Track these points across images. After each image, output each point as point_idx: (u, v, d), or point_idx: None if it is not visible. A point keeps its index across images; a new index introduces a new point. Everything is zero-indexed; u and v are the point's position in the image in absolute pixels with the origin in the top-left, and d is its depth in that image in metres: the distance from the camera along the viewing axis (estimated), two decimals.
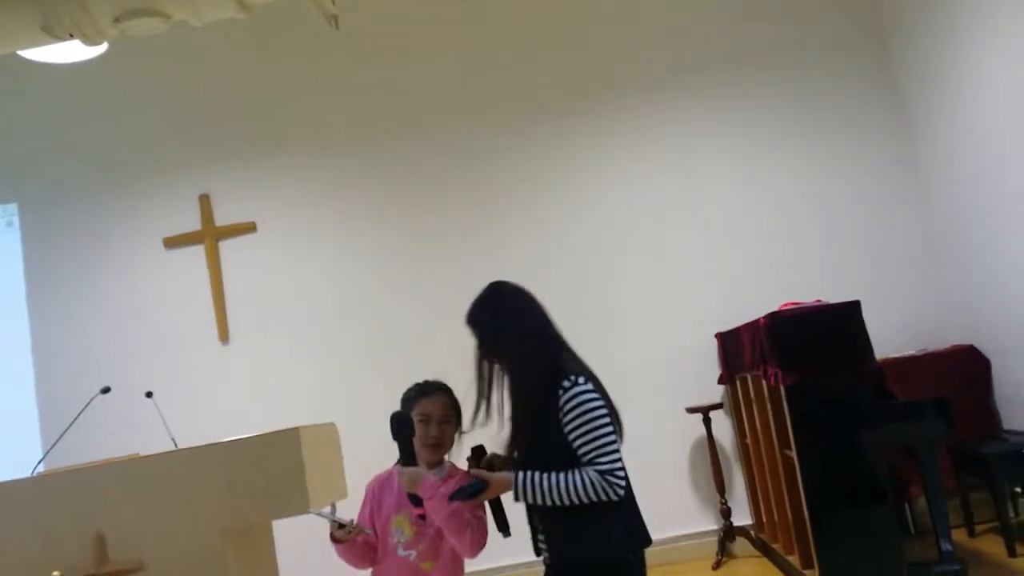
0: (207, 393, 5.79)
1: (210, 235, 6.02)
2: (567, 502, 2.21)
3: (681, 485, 5.59)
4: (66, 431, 4.36)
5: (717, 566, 5.19)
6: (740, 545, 5.41)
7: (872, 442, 3.98)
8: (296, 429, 3.83)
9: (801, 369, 4.01)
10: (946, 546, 3.93)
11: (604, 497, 2.21)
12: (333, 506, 2.43)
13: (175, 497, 3.78)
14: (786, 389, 4.04)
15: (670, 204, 5.79)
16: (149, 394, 4.58)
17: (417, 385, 2.59)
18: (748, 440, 5.19)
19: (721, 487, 5.37)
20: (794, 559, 4.44)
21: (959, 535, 4.52)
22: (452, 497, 2.27)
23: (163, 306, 6.00)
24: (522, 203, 5.90)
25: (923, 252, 5.63)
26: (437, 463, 2.52)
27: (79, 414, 4.41)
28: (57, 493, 3.83)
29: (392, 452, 2.55)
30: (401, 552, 2.45)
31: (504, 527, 2.37)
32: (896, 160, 5.72)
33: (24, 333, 6.01)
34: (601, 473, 2.21)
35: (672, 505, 5.51)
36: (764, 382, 4.39)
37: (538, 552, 2.41)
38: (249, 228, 6.03)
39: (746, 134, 5.83)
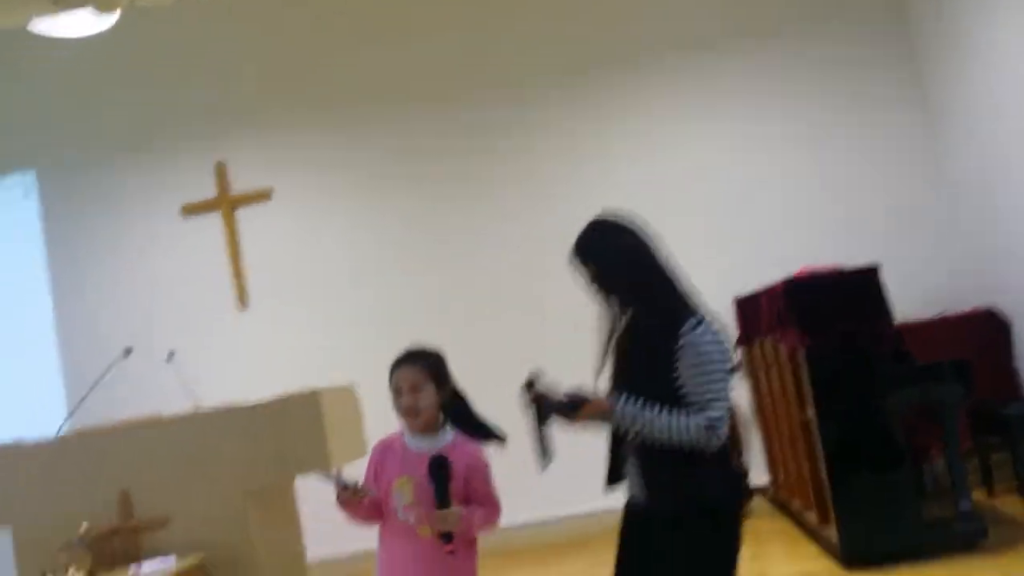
0: (226, 358, 5.83)
1: (227, 203, 6.05)
2: (662, 440, 2.15)
3: None
4: (89, 392, 4.42)
5: None
6: (757, 504, 5.43)
7: (891, 404, 3.96)
8: (316, 391, 3.88)
9: (819, 333, 4.00)
10: (965, 505, 3.92)
11: (699, 447, 2.14)
12: (339, 470, 2.42)
13: (197, 457, 3.84)
14: (805, 352, 4.03)
15: (686, 169, 5.77)
16: (170, 355, 4.63)
17: (397, 356, 2.56)
18: (766, 402, 5.20)
19: (738, 448, 5.37)
20: (812, 515, 4.45)
21: (978, 495, 4.51)
22: (547, 408, 2.22)
23: (182, 273, 6.04)
24: (535, 172, 5.90)
25: (942, 216, 5.60)
26: (423, 430, 2.51)
27: (102, 376, 4.47)
28: (83, 452, 3.90)
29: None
30: (401, 515, 2.45)
31: (546, 454, 2.28)
32: (914, 124, 5.69)
33: (46, 300, 6.07)
34: (707, 425, 2.13)
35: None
36: (782, 346, 4.38)
37: (618, 481, 2.35)
38: (265, 195, 6.04)
39: (764, 99, 5.81)
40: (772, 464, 5.40)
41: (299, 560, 4.32)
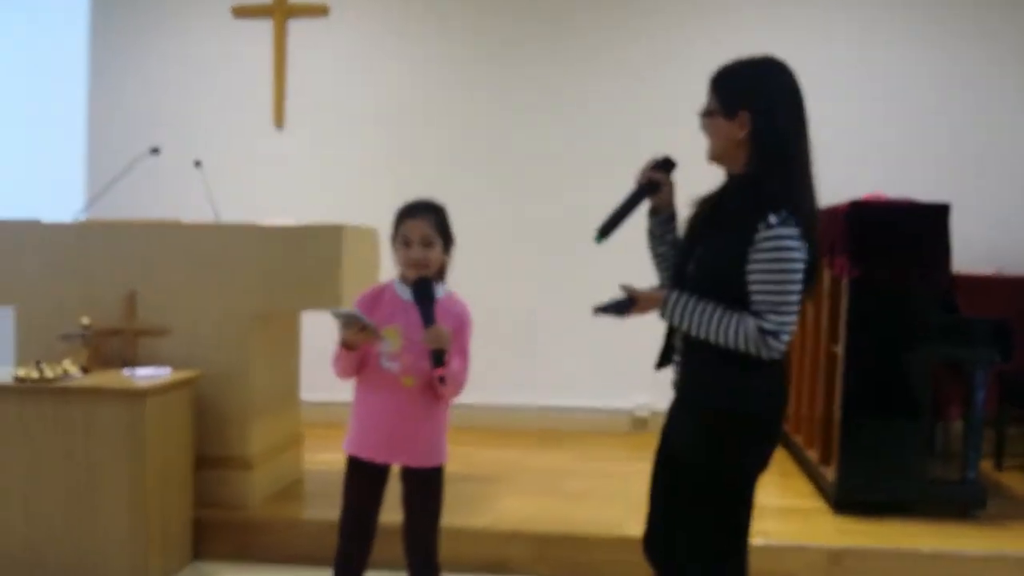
0: (254, 175, 5.69)
1: (280, 10, 5.74)
2: (713, 340, 2.01)
3: None
4: (112, 183, 4.32)
5: None
6: None
7: (923, 353, 3.80)
8: (339, 226, 3.75)
9: (871, 264, 3.78)
10: (971, 473, 3.82)
11: (754, 352, 1.99)
12: (358, 311, 2.36)
13: (210, 271, 3.77)
14: (850, 282, 3.83)
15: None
16: (198, 163, 4.50)
17: (406, 205, 2.52)
18: (796, 329, 5.03)
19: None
20: (813, 453, 4.38)
21: (985, 465, 4.38)
22: (597, 310, 2.12)
23: (224, 78, 5.82)
24: (605, 49, 5.53)
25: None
26: None
27: (126, 169, 4.36)
28: (97, 243, 3.83)
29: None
30: (385, 363, 2.46)
31: (606, 232, 2.15)
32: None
33: (81, 84, 5.90)
34: (763, 332, 1.96)
35: None
36: (828, 271, 4.18)
37: (666, 364, 2.24)
38: (321, 10, 5.73)
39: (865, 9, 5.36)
40: None
41: (293, 394, 4.32)
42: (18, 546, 3.32)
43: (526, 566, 3.50)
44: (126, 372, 3.54)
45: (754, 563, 3.37)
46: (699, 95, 2.16)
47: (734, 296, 2.01)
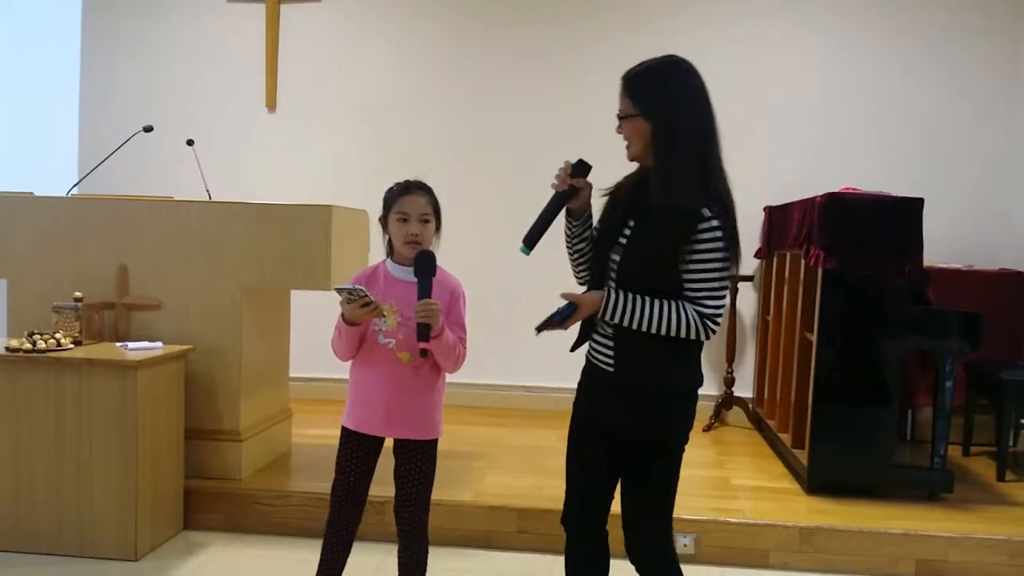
0: (245, 156, 5.76)
1: None
2: (656, 332, 2.11)
3: None
4: (105, 160, 4.36)
5: (708, 429, 5.28)
6: (735, 414, 5.49)
7: (894, 342, 3.92)
8: (329, 207, 3.82)
9: (845, 255, 3.89)
10: (938, 457, 3.95)
11: (694, 337, 2.12)
12: (362, 288, 2.41)
13: (201, 247, 3.82)
14: (823, 272, 3.95)
15: (739, 66, 5.46)
16: (190, 142, 4.55)
17: (398, 184, 2.58)
18: (770, 317, 5.16)
19: (731, 356, 5.39)
20: (786, 437, 4.50)
21: (954, 451, 4.54)
22: (539, 327, 2.19)
23: (217, 61, 5.87)
24: (590, 42, 5.61)
25: (996, 174, 5.39)
26: (412, 262, 2.52)
27: (120, 146, 4.40)
28: (89, 218, 3.87)
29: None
30: (381, 340, 2.52)
31: (532, 241, 2.20)
32: (998, 79, 5.38)
33: (74, 61, 5.91)
34: (702, 316, 2.10)
35: None
36: (803, 261, 4.30)
37: (581, 343, 2.33)
38: None
39: (842, 8, 5.47)
40: (759, 380, 5.42)
41: (283, 370, 4.39)
42: (8, 515, 3.38)
43: (509, 540, 3.61)
44: (118, 346, 3.60)
45: (730, 540, 3.53)
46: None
47: (667, 288, 2.12)
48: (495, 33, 5.69)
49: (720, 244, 2.08)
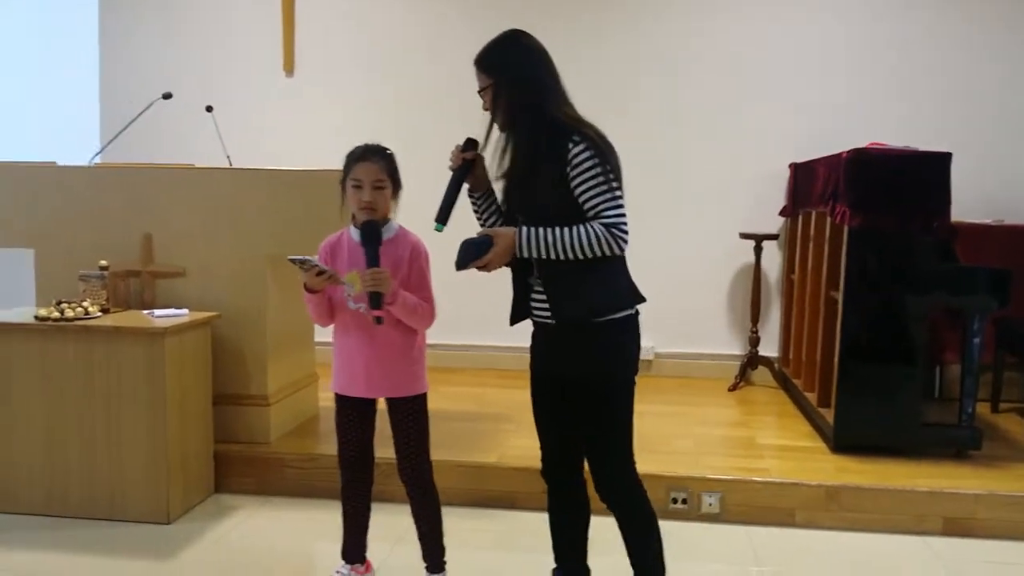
0: (263, 121, 5.74)
1: None
2: (571, 255, 2.21)
3: (717, 306, 5.58)
4: (126, 128, 4.37)
5: (733, 388, 5.27)
6: (760, 374, 5.47)
7: (921, 301, 3.87)
8: None
9: (871, 212, 3.83)
10: (966, 414, 3.91)
11: (609, 251, 2.21)
12: (314, 257, 2.48)
13: (224, 214, 3.83)
14: (849, 230, 3.89)
15: (763, 24, 5.36)
16: (209, 108, 4.54)
17: (356, 148, 2.61)
18: (795, 276, 5.11)
19: (756, 316, 5.35)
20: (812, 396, 4.48)
21: (982, 408, 4.50)
22: (458, 262, 2.26)
23: (234, 24, 5.84)
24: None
25: None
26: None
27: (139, 114, 4.40)
28: (113, 187, 3.89)
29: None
30: (352, 305, 2.58)
31: (443, 218, 2.33)
32: None
33: (94, 29, 5.90)
34: (606, 226, 2.20)
35: (704, 323, 5.56)
36: (828, 219, 4.24)
37: (521, 318, 2.43)
38: None
39: None
40: (784, 339, 5.39)
41: (308, 334, 4.42)
42: (40, 481, 3.45)
43: (533, 500, 3.63)
44: (145, 313, 3.63)
45: (756, 499, 3.53)
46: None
47: (566, 220, 2.22)
48: None
49: (595, 159, 2.20)
